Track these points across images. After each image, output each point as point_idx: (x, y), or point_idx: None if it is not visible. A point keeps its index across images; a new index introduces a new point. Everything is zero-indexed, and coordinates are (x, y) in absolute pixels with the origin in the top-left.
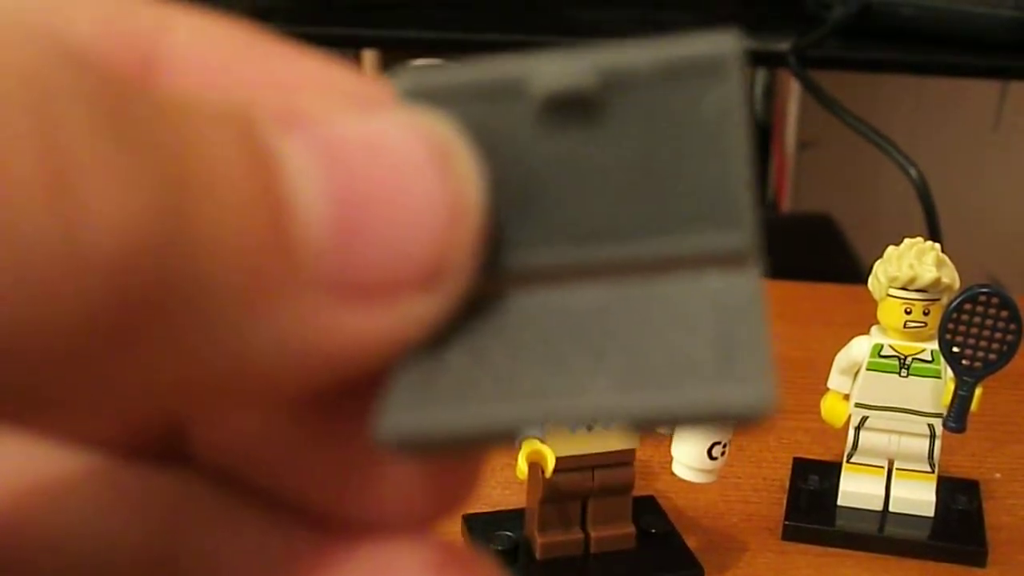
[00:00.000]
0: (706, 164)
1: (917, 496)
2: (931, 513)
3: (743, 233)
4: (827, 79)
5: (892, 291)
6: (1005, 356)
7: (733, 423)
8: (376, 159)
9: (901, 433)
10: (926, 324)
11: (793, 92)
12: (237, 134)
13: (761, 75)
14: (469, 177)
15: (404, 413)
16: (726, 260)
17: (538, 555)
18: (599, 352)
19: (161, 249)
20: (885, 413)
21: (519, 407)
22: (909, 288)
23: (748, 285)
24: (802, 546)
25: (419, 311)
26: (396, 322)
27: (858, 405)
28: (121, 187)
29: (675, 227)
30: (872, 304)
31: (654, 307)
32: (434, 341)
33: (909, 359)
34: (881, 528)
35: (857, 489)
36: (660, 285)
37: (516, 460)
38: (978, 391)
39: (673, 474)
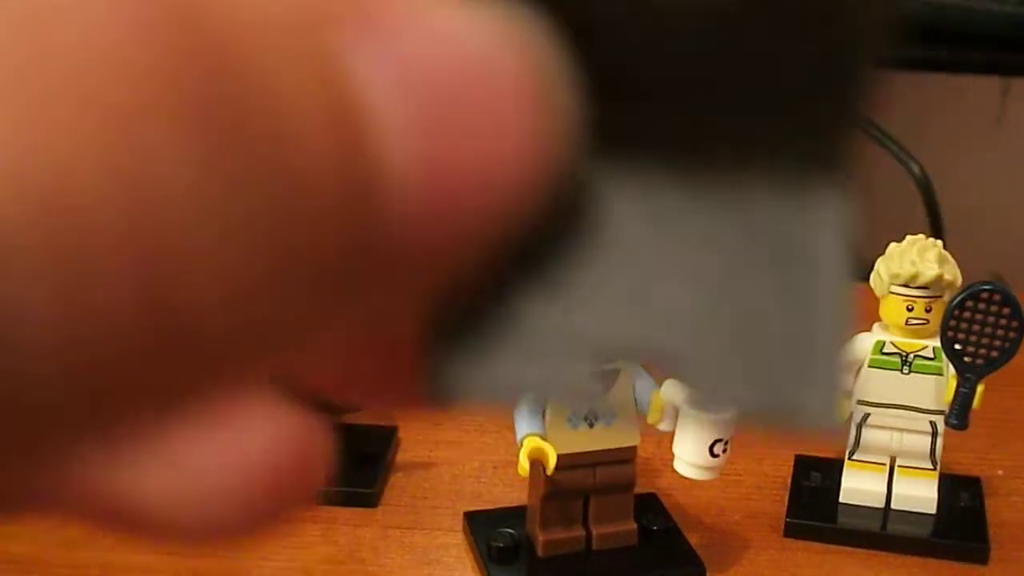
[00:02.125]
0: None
1: (919, 493)
2: (933, 510)
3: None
4: None
5: (894, 288)
6: (1007, 353)
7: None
8: (462, 84)
9: (903, 430)
10: (928, 321)
11: None
12: (310, 56)
13: None
14: (565, 110)
15: (461, 365)
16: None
17: (540, 552)
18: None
19: None
20: (887, 410)
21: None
22: (911, 285)
23: (835, 216)
24: (804, 543)
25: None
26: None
27: (860, 402)
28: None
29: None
30: (874, 301)
31: (736, 223)
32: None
33: (911, 356)
34: (883, 525)
35: (859, 486)
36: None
37: (518, 457)
38: (980, 388)
39: (675, 471)
